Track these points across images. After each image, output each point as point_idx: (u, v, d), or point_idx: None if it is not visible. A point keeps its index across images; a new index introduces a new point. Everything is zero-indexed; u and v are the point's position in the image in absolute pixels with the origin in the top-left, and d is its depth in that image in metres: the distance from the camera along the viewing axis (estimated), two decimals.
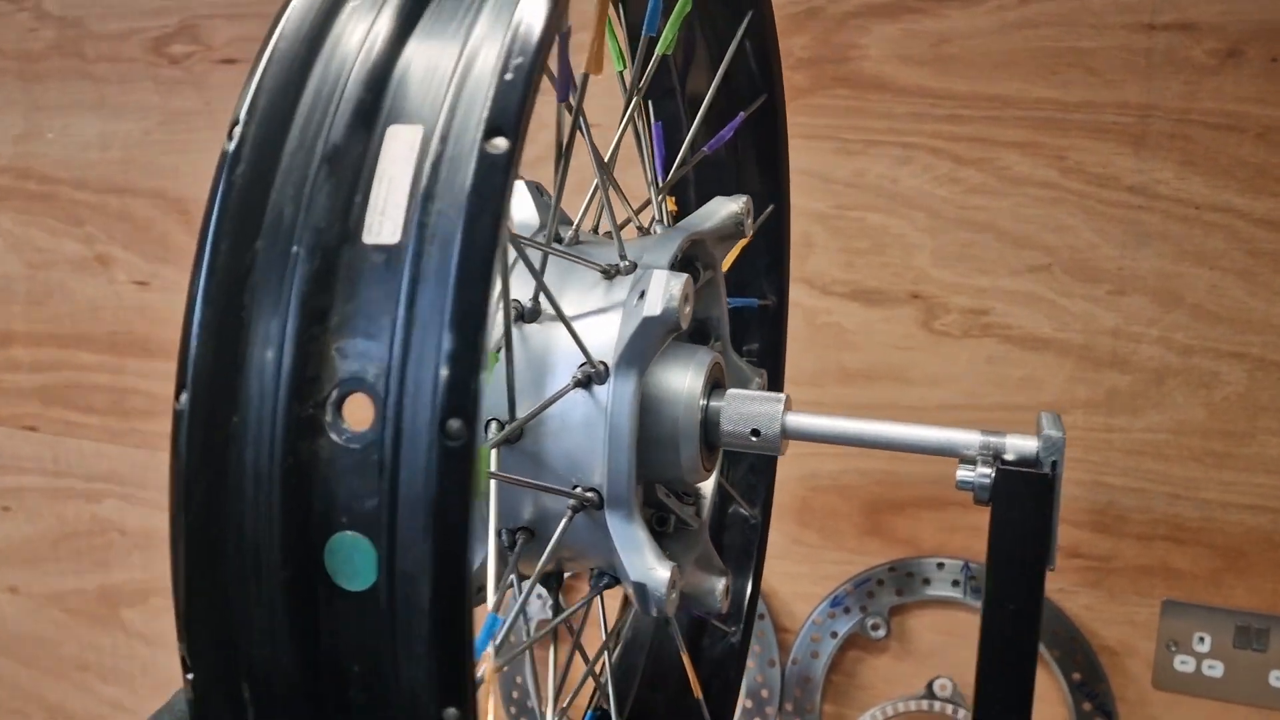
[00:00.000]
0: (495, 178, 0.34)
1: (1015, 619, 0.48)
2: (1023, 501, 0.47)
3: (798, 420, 0.52)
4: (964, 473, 0.48)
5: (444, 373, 0.33)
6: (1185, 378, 0.99)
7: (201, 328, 0.34)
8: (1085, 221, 0.99)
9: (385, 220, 0.35)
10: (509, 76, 0.35)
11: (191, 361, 0.34)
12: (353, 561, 0.34)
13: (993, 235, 1.02)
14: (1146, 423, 1.01)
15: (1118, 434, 1.01)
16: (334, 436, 0.34)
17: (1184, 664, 1.04)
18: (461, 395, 0.33)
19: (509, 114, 0.35)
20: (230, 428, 0.34)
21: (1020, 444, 0.49)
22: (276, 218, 0.35)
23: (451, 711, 0.33)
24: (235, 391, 0.34)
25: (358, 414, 0.34)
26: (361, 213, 0.35)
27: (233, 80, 1.25)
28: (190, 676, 0.35)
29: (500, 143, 0.34)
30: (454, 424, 0.33)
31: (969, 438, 0.49)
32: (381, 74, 0.37)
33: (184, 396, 0.34)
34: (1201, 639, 1.04)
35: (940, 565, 1.08)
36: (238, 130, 0.36)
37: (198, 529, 0.34)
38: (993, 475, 0.47)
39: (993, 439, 0.49)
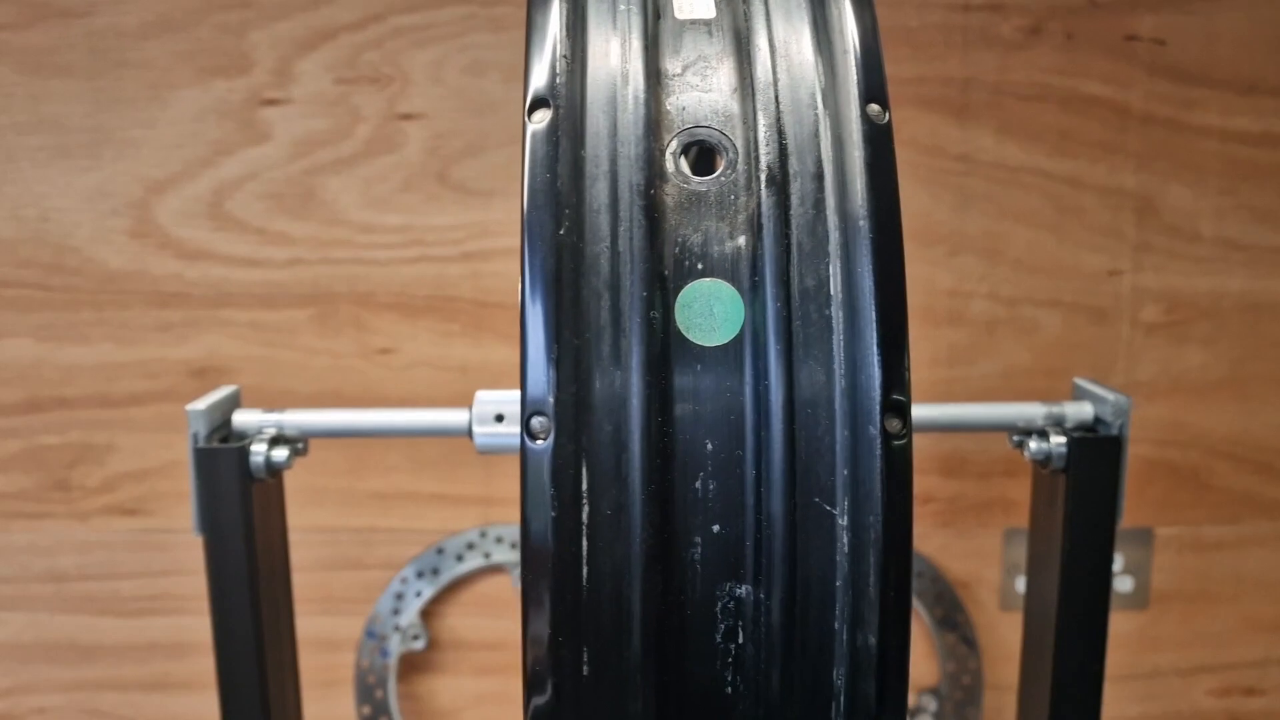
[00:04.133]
0: None
1: (1091, 574, 0.51)
2: (1097, 465, 0.50)
3: None
4: (1036, 444, 0.50)
5: None
6: (1011, 326, 1.09)
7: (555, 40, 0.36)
8: (921, 189, 1.06)
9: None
10: None
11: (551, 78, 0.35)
12: (712, 312, 0.32)
13: None
14: (981, 371, 1.10)
15: (958, 384, 1.10)
16: (680, 183, 0.34)
17: (1022, 584, 1.15)
18: None
19: None
20: (584, 156, 0.34)
21: (1077, 411, 0.51)
22: None
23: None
24: (586, 124, 0.35)
25: (701, 163, 0.35)
26: None
27: None
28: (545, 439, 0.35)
29: None
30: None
31: (1033, 410, 0.51)
32: None
33: (540, 114, 0.34)
34: None
35: None
36: None
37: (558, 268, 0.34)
38: (1065, 443, 0.50)
39: (1054, 409, 0.51)
